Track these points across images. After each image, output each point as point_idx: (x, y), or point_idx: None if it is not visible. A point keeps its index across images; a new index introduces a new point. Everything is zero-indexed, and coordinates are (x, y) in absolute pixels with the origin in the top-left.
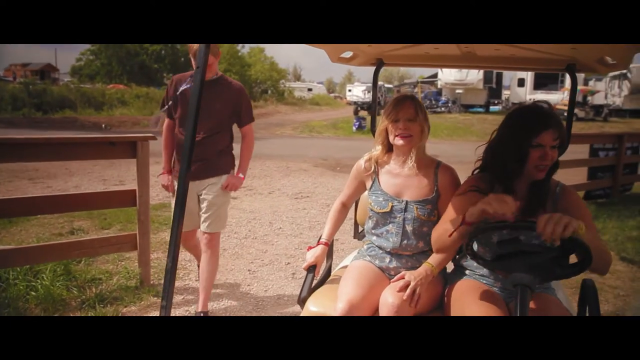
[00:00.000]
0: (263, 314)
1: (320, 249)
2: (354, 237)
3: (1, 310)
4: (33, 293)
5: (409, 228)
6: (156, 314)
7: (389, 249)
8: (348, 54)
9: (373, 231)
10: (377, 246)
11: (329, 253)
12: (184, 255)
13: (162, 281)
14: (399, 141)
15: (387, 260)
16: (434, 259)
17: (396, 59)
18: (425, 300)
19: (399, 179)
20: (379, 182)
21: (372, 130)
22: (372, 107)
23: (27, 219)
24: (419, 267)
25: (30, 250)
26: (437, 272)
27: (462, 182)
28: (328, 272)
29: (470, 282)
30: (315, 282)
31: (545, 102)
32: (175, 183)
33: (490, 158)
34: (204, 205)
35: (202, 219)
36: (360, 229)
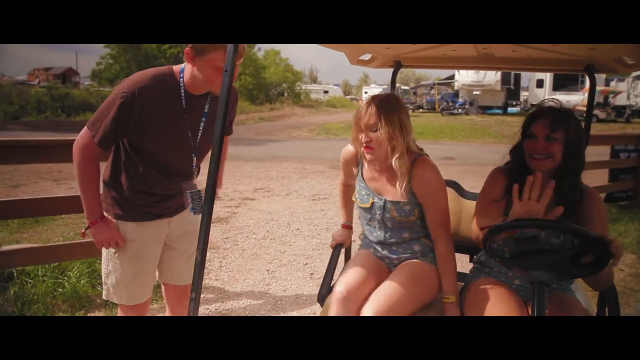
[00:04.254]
0: (282, 314)
1: (343, 231)
2: None
3: (31, 305)
4: (60, 290)
5: (389, 224)
6: None
7: (375, 241)
8: (367, 57)
9: (361, 221)
10: (366, 236)
11: (347, 253)
12: None
13: None
14: (366, 155)
15: (379, 248)
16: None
17: (414, 60)
18: (419, 294)
19: (380, 177)
20: (362, 172)
21: None
22: None
23: (53, 218)
24: (411, 254)
25: (58, 248)
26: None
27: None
28: None
29: (488, 281)
30: (333, 281)
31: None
32: (122, 225)
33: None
34: (183, 245)
35: (180, 265)
36: None
